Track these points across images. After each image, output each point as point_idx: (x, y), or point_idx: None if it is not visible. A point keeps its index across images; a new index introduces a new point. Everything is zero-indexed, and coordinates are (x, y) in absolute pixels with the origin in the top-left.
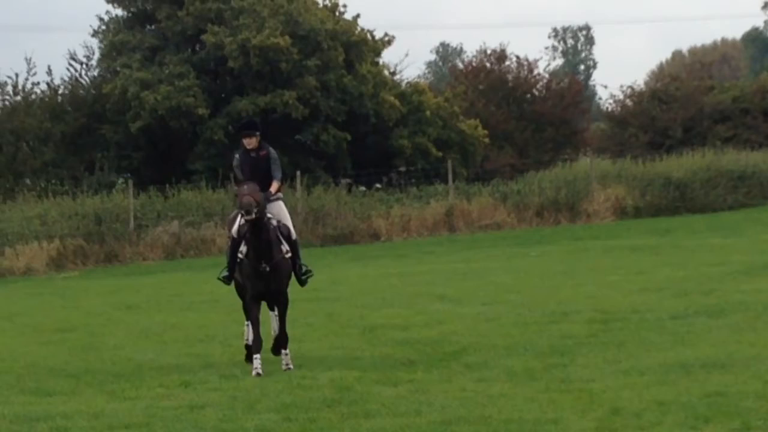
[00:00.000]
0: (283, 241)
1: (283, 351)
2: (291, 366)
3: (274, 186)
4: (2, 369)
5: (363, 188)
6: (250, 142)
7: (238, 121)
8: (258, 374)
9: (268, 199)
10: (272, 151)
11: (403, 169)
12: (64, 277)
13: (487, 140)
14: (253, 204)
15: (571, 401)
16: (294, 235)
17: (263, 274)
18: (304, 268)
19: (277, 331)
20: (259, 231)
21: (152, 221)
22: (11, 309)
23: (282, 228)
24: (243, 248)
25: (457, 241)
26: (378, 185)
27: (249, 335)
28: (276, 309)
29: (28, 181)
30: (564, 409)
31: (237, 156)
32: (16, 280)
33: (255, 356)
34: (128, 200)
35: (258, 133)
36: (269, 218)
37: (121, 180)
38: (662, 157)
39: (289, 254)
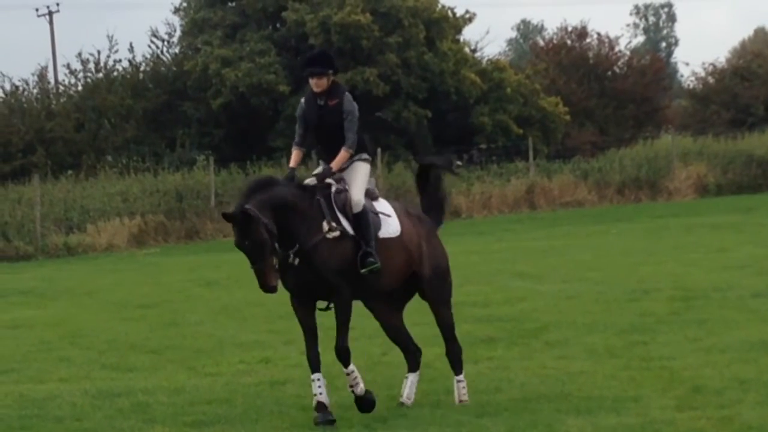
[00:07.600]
0: (335, 215)
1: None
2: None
3: (341, 157)
4: (84, 345)
5: None
6: (318, 84)
7: None
8: (320, 403)
9: (326, 177)
10: (348, 99)
11: (483, 146)
12: (145, 254)
13: (567, 117)
14: None
15: (652, 379)
16: (358, 207)
17: (291, 266)
18: (368, 258)
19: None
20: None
21: (233, 198)
22: (93, 285)
23: (337, 199)
24: None
25: (537, 218)
26: (459, 162)
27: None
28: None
29: (109, 158)
30: (644, 387)
31: (302, 102)
32: (98, 256)
33: (312, 376)
34: (209, 177)
35: (330, 72)
36: (319, 185)
37: (202, 157)
38: (744, 134)
39: (337, 232)
